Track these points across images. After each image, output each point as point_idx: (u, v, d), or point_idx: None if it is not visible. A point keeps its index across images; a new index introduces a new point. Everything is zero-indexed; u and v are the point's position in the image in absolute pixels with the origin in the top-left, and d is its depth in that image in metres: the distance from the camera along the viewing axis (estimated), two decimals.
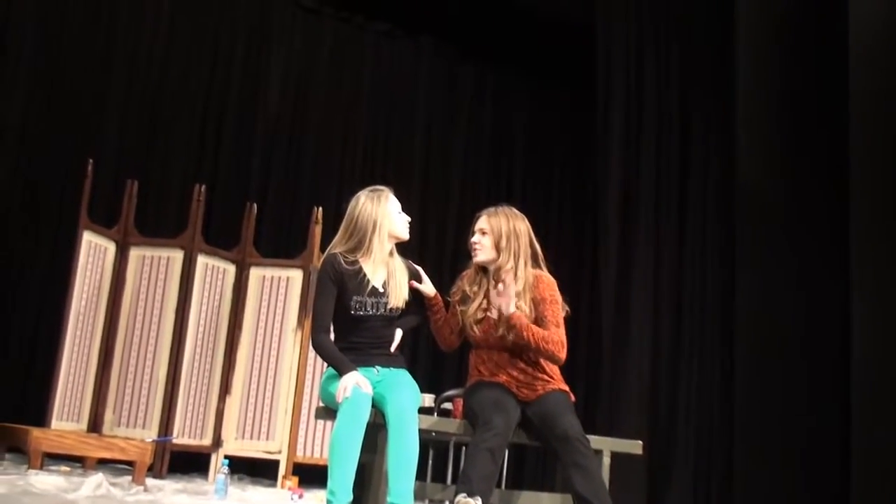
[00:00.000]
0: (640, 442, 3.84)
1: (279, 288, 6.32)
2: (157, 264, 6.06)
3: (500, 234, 3.60)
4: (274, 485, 6.08)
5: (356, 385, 3.29)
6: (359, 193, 3.62)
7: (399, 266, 3.60)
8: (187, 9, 7.45)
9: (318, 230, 6.34)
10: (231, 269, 6.32)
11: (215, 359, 6.20)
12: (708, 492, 6.50)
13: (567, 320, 3.61)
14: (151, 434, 5.74)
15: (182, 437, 5.95)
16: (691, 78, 7.11)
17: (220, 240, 6.53)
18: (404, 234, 3.63)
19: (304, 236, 6.51)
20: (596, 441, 3.56)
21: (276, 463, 6.13)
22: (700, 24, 7.14)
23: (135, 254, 6.05)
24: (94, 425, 5.80)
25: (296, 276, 6.32)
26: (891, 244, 4.97)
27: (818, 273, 5.74)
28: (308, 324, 5.89)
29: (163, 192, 7.09)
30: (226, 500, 4.81)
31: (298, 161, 7.77)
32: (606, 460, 3.62)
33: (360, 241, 3.53)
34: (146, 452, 5.14)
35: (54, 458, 5.45)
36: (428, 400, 4.67)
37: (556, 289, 3.63)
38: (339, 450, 3.21)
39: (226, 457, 5.67)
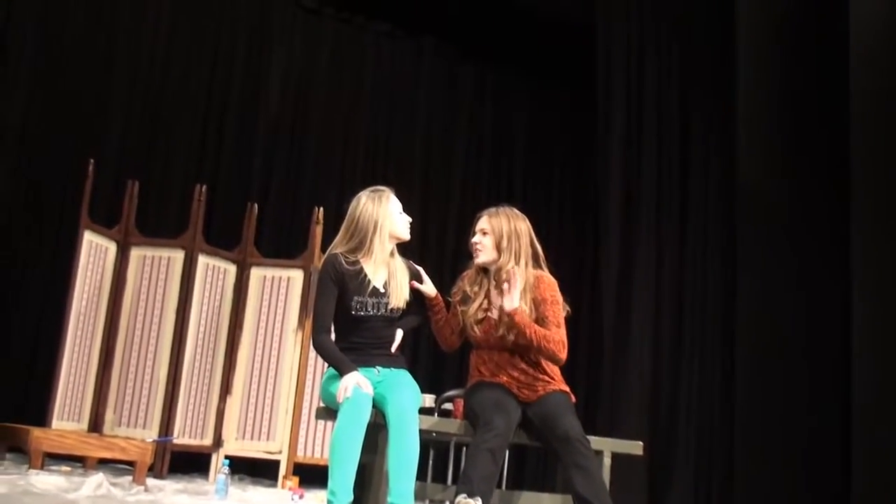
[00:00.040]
0: (641, 443, 3.83)
1: (280, 288, 6.33)
2: (157, 264, 6.07)
3: (501, 234, 3.60)
4: (274, 485, 6.08)
5: (357, 385, 3.29)
6: (360, 194, 3.62)
7: (400, 266, 3.61)
8: (188, 9, 7.46)
9: (318, 230, 6.34)
10: (232, 269, 6.33)
11: (216, 359, 6.21)
12: (709, 492, 6.50)
13: (568, 321, 3.61)
14: (152, 434, 5.75)
15: (183, 437, 5.95)
16: (692, 78, 7.10)
17: (221, 240, 6.53)
18: (405, 235, 3.63)
19: (305, 236, 6.51)
20: (596, 442, 3.56)
21: (276, 463, 6.13)
22: (700, 23, 7.14)
23: (136, 254, 6.05)
24: (95, 425, 5.80)
25: (297, 276, 6.32)
26: (892, 244, 4.97)
27: (819, 273, 5.74)
28: (309, 324, 5.90)
29: (164, 192, 7.09)
30: (226, 500, 4.81)
31: (299, 161, 7.78)
32: (607, 461, 3.62)
33: (361, 241, 3.54)
34: (147, 452, 5.15)
35: (55, 458, 5.45)
36: (428, 400, 4.66)
37: (557, 289, 3.63)
38: (340, 450, 3.21)
39: (226, 457, 5.67)
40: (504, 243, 3.59)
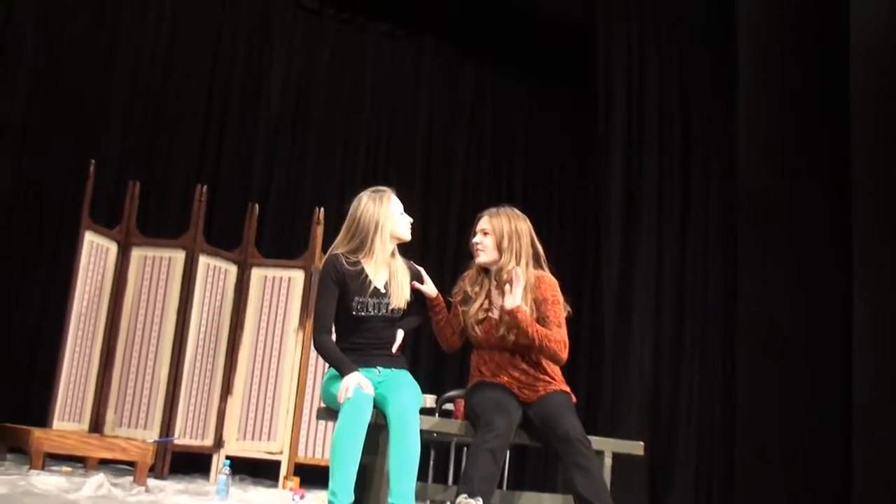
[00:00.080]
0: (642, 443, 3.84)
1: (281, 288, 6.33)
2: (158, 265, 6.07)
3: (502, 234, 3.60)
4: (275, 485, 6.08)
5: (358, 386, 3.30)
6: (361, 194, 3.62)
7: (401, 267, 3.61)
8: (189, 9, 7.46)
9: (319, 231, 6.34)
10: (233, 269, 6.33)
11: (217, 359, 6.21)
12: (709, 492, 6.50)
13: (569, 321, 3.62)
14: (153, 434, 5.75)
15: (183, 437, 5.95)
16: (692, 78, 7.11)
17: (222, 240, 6.54)
18: (406, 235, 3.64)
19: (306, 237, 6.51)
20: (597, 442, 3.56)
21: (277, 463, 6.13)
22: (701, 23, 7.14)
23: (136, 254, 6.06)
24: (96, 426, 5.80)
25: (297, 276, 6.32)
26: (892, 244, 4.96)
27: (820, 273, 5.73)
28: (310, 324, 5.90)
29: (165, 192, 7.09)
30: (227, 500, 4.81)
31: (300, 162, 7.77)
32: (608, 461, 3.63)
33: (361, 241, 3.54)
34: (148, 453, 5.15)
35: (56, 459, 5.46)
36: (429, 401, 4.66)
37: (558, 289, 3.63)
38: (341, 450, 3.21)
39: (227, 457, 5.66)
40: (505, 243, 3.60)
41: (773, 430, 5.69)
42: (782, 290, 5.83)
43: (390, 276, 3.56)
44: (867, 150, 5.16)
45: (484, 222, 3.67)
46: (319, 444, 6.15)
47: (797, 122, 5.96)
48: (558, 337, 3.51)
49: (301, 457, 6.13)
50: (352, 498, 3.20)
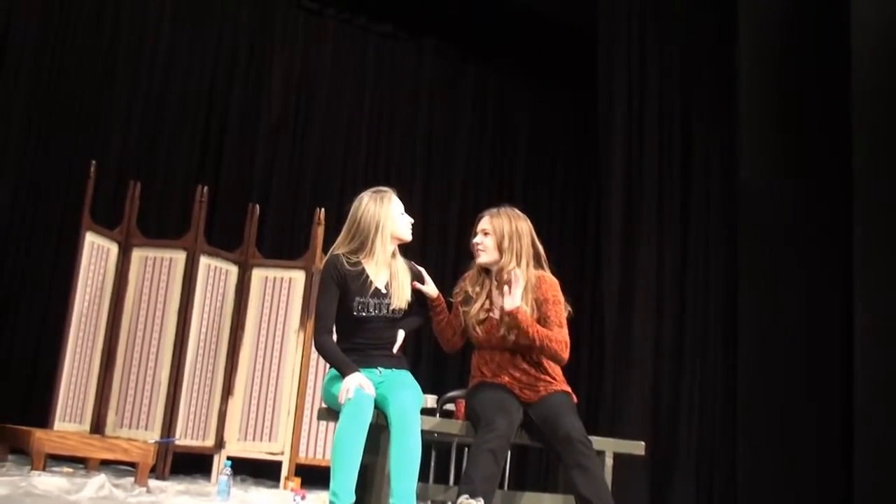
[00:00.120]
0: (643, 443, 3.84)
1: (281, 289, 6.33)
2: (159, 265, 6.07)
3: (503, 234, 3.60)
4: (276, 486, 6.08)
5: (359, 386, 3.30)
6: (362, 194, 3.63)
7: (402, 267, 3.61)
8: (190, 10, 7.45)
9: (320, 231, 6.34)
10: (233, 270, 6.33)
11: (218, 360, 6.21)
12: (710, 492, 6.50)
13: (570, 321, 3.62)
14: (154, 435, 5.75)
15: (185, 438, 5.95)
16: (693, 77, 7.10)
17: (223, 241, 6.54)
18: (407, 236, 3.64)
19: (307, 237, 6.51)
20: (598, 442, 3.56)
21: (278, 464, 6.13)
22: (701, 22, 7.13)
23: (137, 255, 6.06)
24: (97, 426, 5.80)
25: (298, 277, 6.32)
26: (894, 244, 4.96)
27: (820, 272, 5.73)
28: (310, 325, 5.90)
29: (165, 193, 7.09)
30: (228, 501, 4.81)
31: (301, 162, 7.77)
32: (609, 461, 3.63)
33: (362, 242, 3.54)
34: (149, 454, 5.15)
35: (57, 460, 5.46)
36: (430, 401, 4.67)
37: (559, 289, 3.63)
38: (342, 451, 3.21)
39: (228, 458, 5.67)
40: (505, 244, 3.60)
41: (774, 431, 5.69)
42: (783, 290, 5.82)
43: (391, 277, 3.56)
44: (868, 150, 5.15)
45: (484, 222, 3.67)
46: (320, 444, 6.15)
47: (797, 121, 5.95)
48: (559, 337, 3.51)
49: (302, 457, 6.13)
50: (353, 498, 3.20)
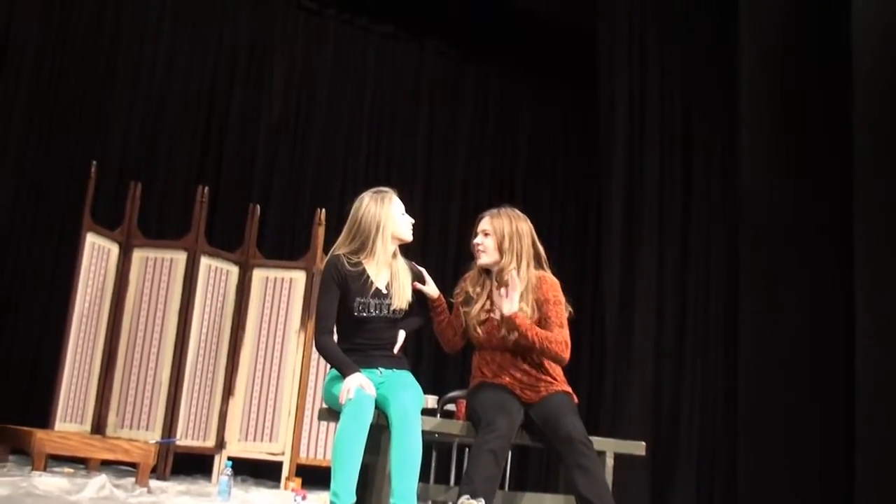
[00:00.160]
0: (643, 443, 3.84)
1: (282, 289, 6.33)
2: (160, 266, 6.07)
3: (503, 235, 3.61)
4: (277, 486, 6.08)
5: (359, 387, 3.30)
6: (362, 195, 3.63)
7: (402, 267, 3.61)
8: (190, 10, 7.45)
9: (321, 231, 6.34)
10: (234, 270, 6.33)
11: (218, 360, 6.21)
12: (711, 493, 6.49)
13: (570, 321, 3.62)
14: (155, 436, 5.75)
15: (185, 438, 5.95)
16: (693, 77, 7.10)
17: (224, 241, 6.54)
18: (408, 236, 3.64)
19: (308, 238, 6.51)
20: (599, 442, 3.56)
21: (279, 464, 6.13)
22: (702, 22, 7.13)
23: (138, 255, 6.06)
24: (98, 427, 5.80)
25: (299, 277, 6.32)
26: (895, 244, 4.96)
27: (821, 272, 5.73)
28: (311, 325, 5.89)
29: (166, 193, 7.09)
30: (229, 501, 4.82)
31: (301, 162, 7.77)
32: (610, 461, 3.62)
33: (363, 242, 3.54)
34: (150, 454, 5.15)
35: (58, 460, 5.46)
36: (431, 401, 4.67)
37: (560, 289, 3.63)
38: (343, 451, 3.21)
39: (229, 458, 5.67)
40: (506, 244, 3.60)
41: (775, 431, 5.68)
42: (784, 290, 5.82)
43: (392, 277, 3.56)
44: (869, 149, 5.15)
45: (485, 223, 3.67)
46: (321, 444, 6.15)
47: (798, 122, 5.95)
48: (559, 338, 3.51)
49: (303, 458, 6.13)
50: (353, 498, 3.20)
